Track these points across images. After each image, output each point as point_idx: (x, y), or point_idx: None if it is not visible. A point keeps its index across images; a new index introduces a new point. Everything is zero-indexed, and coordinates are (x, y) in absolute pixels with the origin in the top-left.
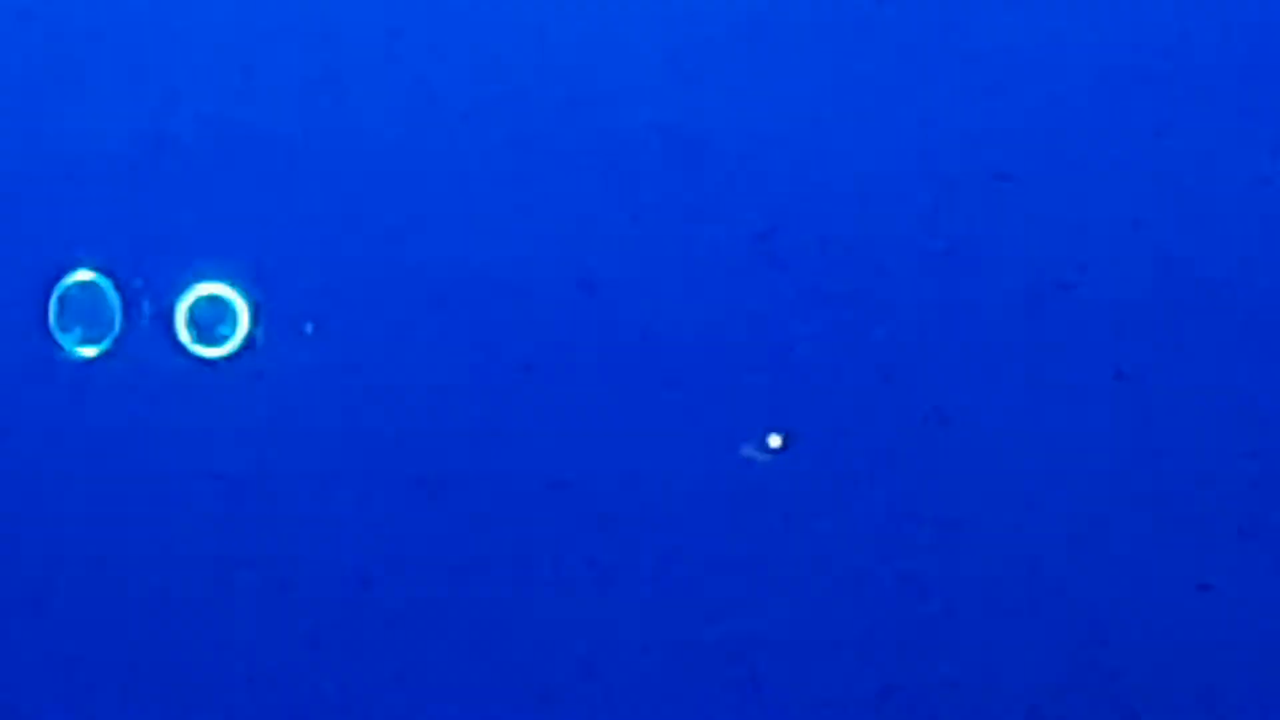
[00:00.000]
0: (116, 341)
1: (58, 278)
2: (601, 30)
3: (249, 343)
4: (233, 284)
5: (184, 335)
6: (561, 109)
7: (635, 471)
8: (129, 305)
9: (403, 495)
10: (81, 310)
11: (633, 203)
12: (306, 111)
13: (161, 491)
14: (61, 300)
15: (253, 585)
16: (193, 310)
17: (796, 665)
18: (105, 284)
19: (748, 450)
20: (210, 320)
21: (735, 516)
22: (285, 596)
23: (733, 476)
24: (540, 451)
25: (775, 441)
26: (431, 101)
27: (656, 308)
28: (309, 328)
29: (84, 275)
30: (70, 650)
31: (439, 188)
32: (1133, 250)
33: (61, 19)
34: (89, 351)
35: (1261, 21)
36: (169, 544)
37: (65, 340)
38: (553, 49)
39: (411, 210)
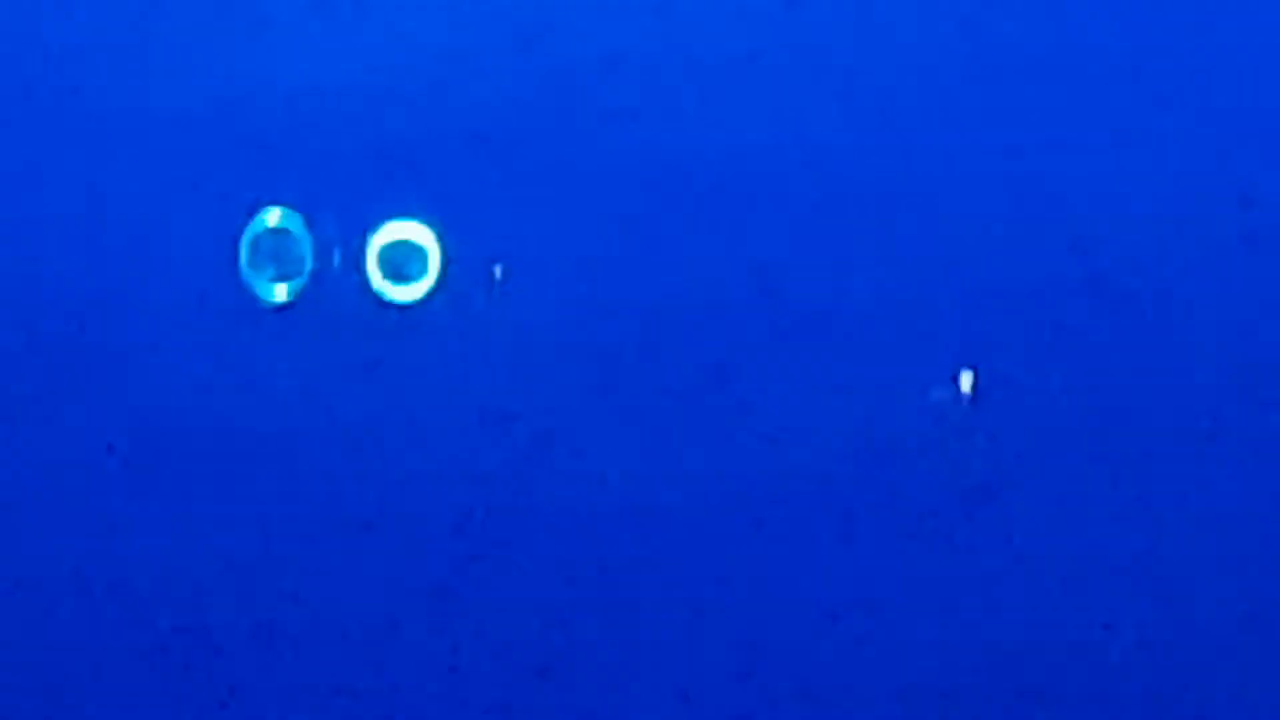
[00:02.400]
0: (308, 283)
1: (250, 220)
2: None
3: (439, 285)
4: (424, 226)
5: (375, 277)
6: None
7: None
8: (321, 247)
9: (595, 433)
10: (274, 252)
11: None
12: (496, 58)
13: (354, 431)
14: (254, 242)
15: (444, 525)
16: (384, 252)
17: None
18: (297, 226)
19: (938, 393)
20: (401, 262)
21: None
22: (473, 537)
23: None
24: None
25: (965, 383)
26: (624, 42)
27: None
28: (498, 271)
29: (276, 217)
30: (274, 594)
31: (633, 132)
32: None
33: None
34: (281, 293)
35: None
36: (369, 483)
37: (257, 282)
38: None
39: (606, 155)
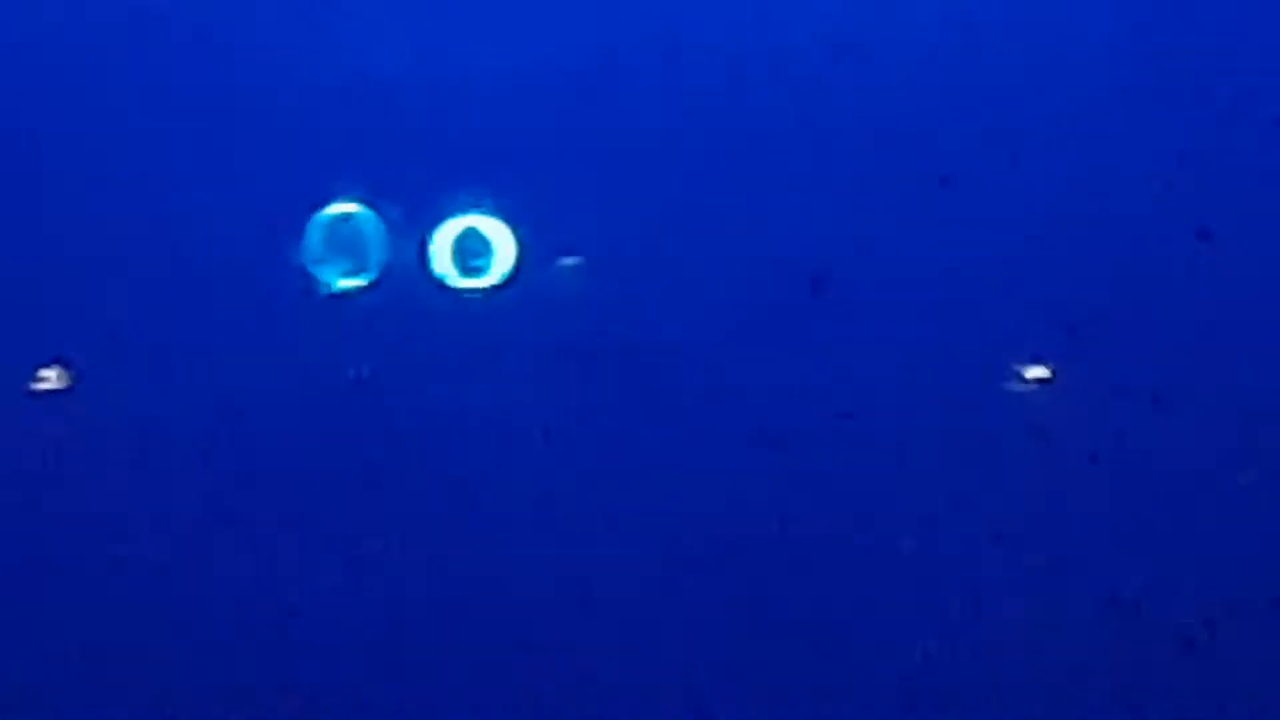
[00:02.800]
0: (376, 274)
1: (318, 211)
2: None
3: (510, 276)
4: (493, 216)
5: (443, 267)
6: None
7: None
8: (389, 238)
9: (670, 422)
10: (341, 243)
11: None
12: (566, 51)
13: (421, 422)
14: (321, 233)
15: (512, 515)
16: (453, 242)
17: None
18: (366, 217)
19: (1011, 382)
20: (470, 252)
21: None
22: (548, 528)
23: None
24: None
25: (1040, 373)
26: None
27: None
28: (571, 261)
29: (344, 208)
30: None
31: (705, 126)
32: None
33: None
34: (349, 284)
35: None
36: (433, 472)
37: (325, 273)
38: None
39: (676, 143)
